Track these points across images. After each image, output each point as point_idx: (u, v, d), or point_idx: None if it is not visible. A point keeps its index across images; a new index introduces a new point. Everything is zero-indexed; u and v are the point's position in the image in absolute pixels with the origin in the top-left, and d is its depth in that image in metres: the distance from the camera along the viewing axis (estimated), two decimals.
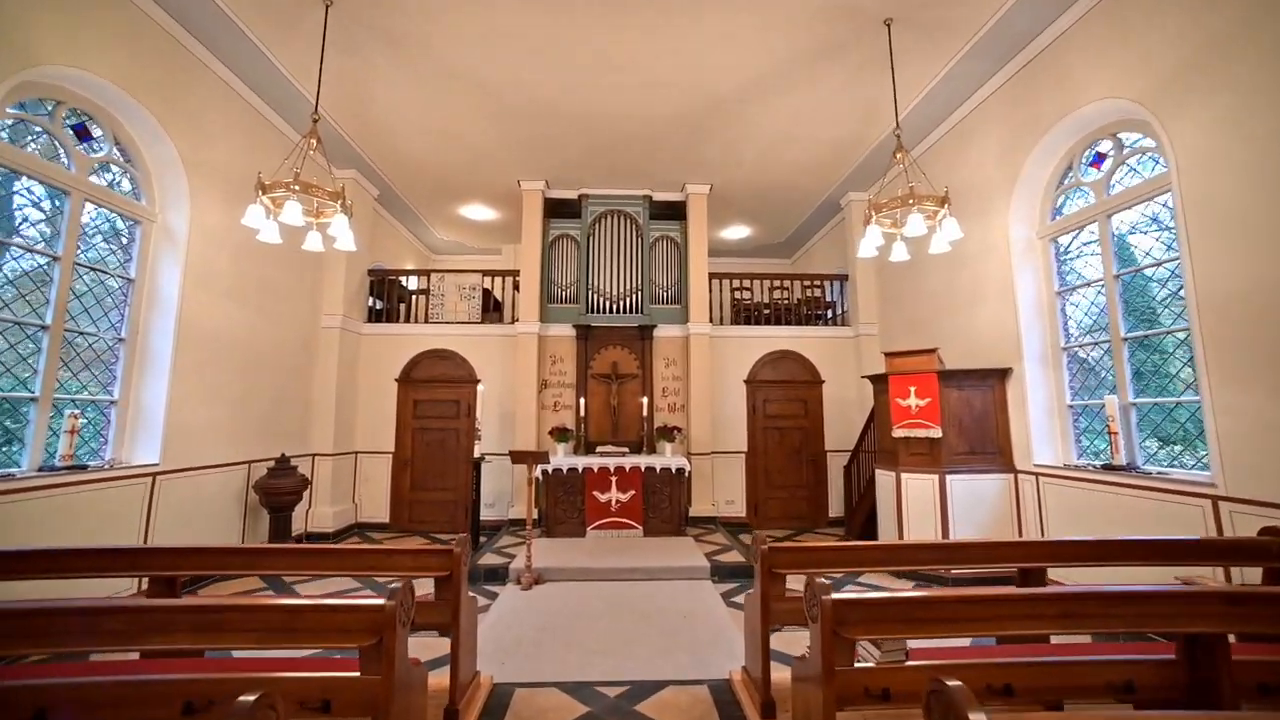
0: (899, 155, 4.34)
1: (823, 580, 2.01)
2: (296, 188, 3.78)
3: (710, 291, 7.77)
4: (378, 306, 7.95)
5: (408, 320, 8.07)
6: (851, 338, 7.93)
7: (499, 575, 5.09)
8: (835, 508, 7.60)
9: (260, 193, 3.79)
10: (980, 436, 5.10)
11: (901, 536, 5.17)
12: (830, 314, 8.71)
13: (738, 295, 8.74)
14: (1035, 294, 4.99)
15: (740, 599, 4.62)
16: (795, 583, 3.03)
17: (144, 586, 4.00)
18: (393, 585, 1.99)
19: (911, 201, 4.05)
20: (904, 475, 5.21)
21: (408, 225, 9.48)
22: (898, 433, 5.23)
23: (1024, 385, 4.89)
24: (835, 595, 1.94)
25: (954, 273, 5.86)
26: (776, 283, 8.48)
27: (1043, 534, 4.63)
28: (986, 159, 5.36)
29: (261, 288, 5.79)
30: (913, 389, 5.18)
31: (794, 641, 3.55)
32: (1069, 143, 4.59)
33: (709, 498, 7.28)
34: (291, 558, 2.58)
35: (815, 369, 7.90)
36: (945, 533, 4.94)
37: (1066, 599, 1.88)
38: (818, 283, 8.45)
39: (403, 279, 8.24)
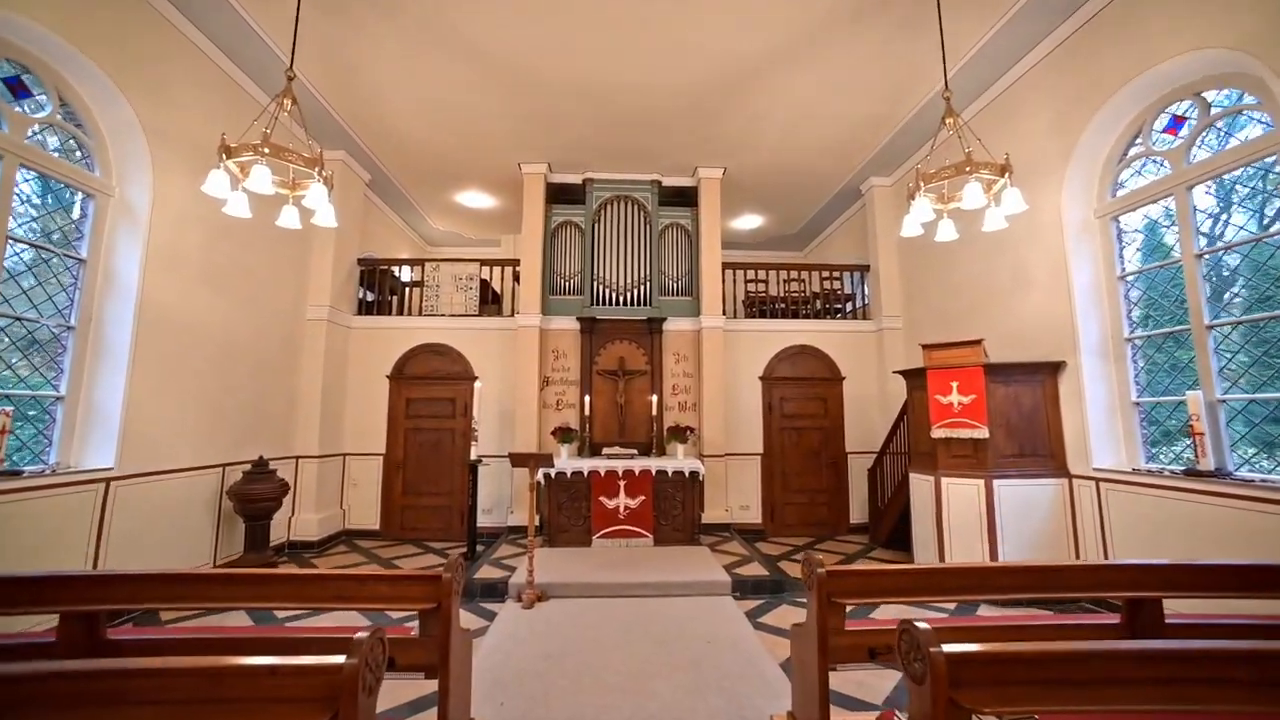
0: (949, 121, 3.83)
1: (924, 625, 1.52)
2: (266, 150, 3.26)
3: (723, 283, 7.26)
4: (368, 298, 7.45)
5: (400, 313, 7.56)
6: (874, 331, 7.44)
7: (497, 591, 4.58)
8: (857, 513, 7.11)
9: (224, 156, 3.27)
10: (1030, 437, 4.61)
11: (941, 547, 4.69)
12: (850, 307, 8.22)
13: (751, 288, 8.25)
14: (1092, 279, 4.49)
15: (768, 619, 4.13)
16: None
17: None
18: (360, 634, 1.49)
19: (968, 169, 3.55)
20: (944, 479, 4.72)
21: (401, 214, 8.96)
22: (937, 433, 4.74)
23: (1080, 380, 4.41)
24: (948, 648, 1.45)
25: (992, 259, 5.37)
26: (792, 274, 7.99)
27: (1104, 548, 4.14)
28: (1036, 131, 4.86)
29: (239, 273, 5.28)
30: (955, 385, 4.70)
31: (847, 679, 3.04)
32: (1139, 106, 4.08)
33: (722, 503, 6.78)
34: (240, 586, 2.08)
35: (835, 365, 7.40)
36: (993, 544, 4.45)
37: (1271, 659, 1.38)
38: (836, 273, 7.97)
39: (395, 269, 7.71)
